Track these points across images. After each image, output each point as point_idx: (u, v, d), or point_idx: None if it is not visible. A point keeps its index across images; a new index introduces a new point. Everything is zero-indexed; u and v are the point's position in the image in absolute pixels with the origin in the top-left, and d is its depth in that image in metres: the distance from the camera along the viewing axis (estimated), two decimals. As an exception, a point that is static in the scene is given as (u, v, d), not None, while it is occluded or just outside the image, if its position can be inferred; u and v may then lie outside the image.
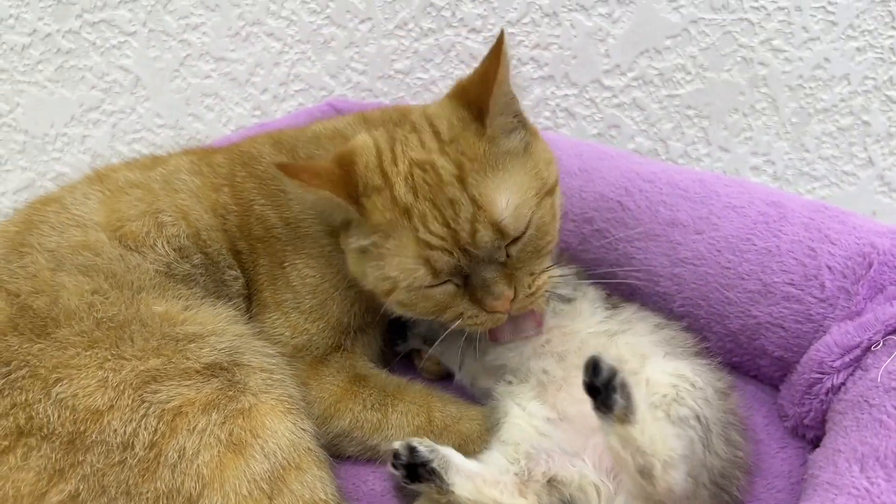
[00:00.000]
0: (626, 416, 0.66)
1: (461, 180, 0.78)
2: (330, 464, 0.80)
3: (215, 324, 0.83)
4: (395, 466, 0.75)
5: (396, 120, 0.88)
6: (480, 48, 1.49)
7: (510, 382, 0.87)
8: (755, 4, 1.41)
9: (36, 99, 1.62)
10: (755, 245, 0.92)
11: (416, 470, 0.74)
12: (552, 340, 0.88)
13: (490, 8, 1.46)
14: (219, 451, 0.71)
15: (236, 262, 0.94)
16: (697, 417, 0.72)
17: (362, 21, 1.50)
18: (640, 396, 0.68)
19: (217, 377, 0.77)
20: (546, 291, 0.85)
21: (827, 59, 1.43)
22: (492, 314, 0.82)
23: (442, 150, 0.80)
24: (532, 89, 1.52)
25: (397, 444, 0.76)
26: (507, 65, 0.80)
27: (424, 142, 0.82)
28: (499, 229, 0.77)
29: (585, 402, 0.76)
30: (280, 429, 0.75)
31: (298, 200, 0.93)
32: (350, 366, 0.94)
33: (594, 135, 1.55)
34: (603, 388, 0.66)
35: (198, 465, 0.70)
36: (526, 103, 1.53)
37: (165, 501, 0.68)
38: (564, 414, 0.80)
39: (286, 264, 0.93)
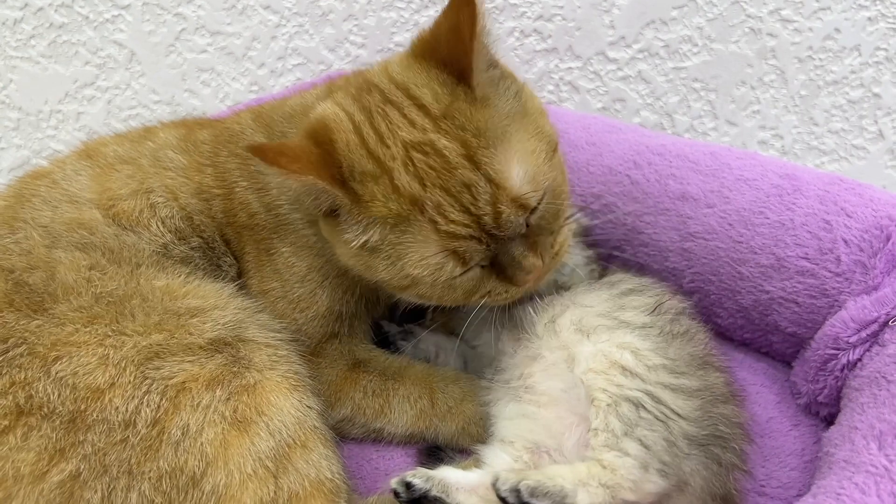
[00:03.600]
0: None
1: (471, 159, 0.71)
2: (336, 442, 0.78)
3: (217, 298, 0.81)
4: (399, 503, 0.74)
5: (362, 84, 0.80)
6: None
7: (490, 378, 0.86)
8: (764, -27, 1.37)
9: (29, 75, 1.59)
10: (768, 218, 0.89)
11: (419, 502, 0.72)
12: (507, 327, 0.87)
13: (492, -22, 1.43)
14: (223, 429, 0.69)
15: (228, 250, 0.92)
16: (640, 404, 0.71)
17: (361, -8, 1.47)
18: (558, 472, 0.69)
19: (221, 353, 0.75)
20: (567, 244, 0.82)
21: (837, 30, 1.40)
22: (523, 286, 0.78)
23: (438, 128, 0.72)
24: (535, 62, 1.49)
25: (394, 483, 0.73)
26: (483, 10, 0.71)
27: (412, 119, 0.74)
28: (521, 204, 0.72)
29: (546, 392, 0.76)
30: (286, 406, 0.73)
31: (278, 187, 0.88)
32: (348, 352, 0.91)
33: (599, 108, 1.52)
34: None
35: (201, 443, 0.68)
36: (529, 76, 1.50)
37: (168, 480, 0.66)
38: (538, 403, 0.79)
39: (272, 251, 0.90)
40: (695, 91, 1.48)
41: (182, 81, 1.58)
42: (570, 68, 1.49)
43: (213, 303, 0.80)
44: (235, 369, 0.74)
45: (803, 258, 0.85)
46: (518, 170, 0.72)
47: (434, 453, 0.85)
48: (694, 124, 1.51)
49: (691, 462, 0.71)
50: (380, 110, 0.75)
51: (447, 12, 0.72)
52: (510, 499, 0.66)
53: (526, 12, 1.45)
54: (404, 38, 1.49)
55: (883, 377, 0.73)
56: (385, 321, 0.98)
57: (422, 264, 0.73)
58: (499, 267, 0.76)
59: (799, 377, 0.87)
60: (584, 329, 0.80)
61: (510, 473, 0.69)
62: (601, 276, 0.94)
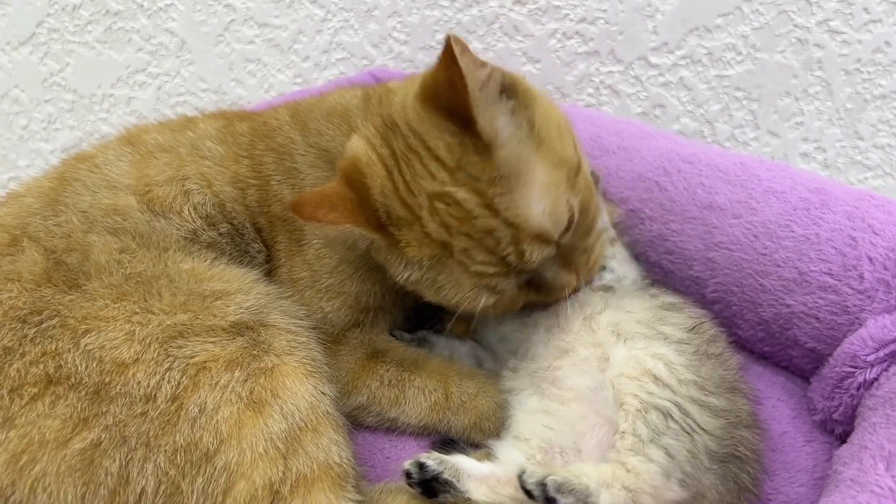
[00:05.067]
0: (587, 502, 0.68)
1: (488, 207, 0.74)
2: (347, 429, 0.80)
3: (241, 282, 0.83)
4: (410, 485, 0.75)
5: (386, 121, 0.81)
6: (524, 21, 1.47)
7: (512, 370, 0.87)
8: (813, -17, 1.35)
9: (85, 59, 1.65)
10: (794, 232, 0.88)
11: (429, 484, 0.74)
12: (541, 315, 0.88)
13: (537, -20, 1.43)
14: (238, 409, 0.71)
15: (258, 237, 0.94)
16: (669, 414, 0.72)
17: (406, -10, 1.49)
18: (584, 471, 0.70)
19: (242, 336, 0.77)
20: (602, 257, 0.87)
21: (888, 43, 1.37)
22: (561, 298, 0.84)
23: (455, 180, 0.74)
24: (576, 64, 1.49)
25: (407, 464, 0.75)
26: (470, 63, 0.70)
27: (431, 170, 0.76)
28: (544, 239, 0.75)
29: (573, 388, 0.77)
30: (300, 390, 0.75)
31: (320, 235, 0.92)
32: (368, 341, 0.93)
33: (638, 114, 1.51)
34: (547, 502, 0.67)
35: (217, 421, 0.70)
36: (569, 79, 1.50)
37: (183, 454, 0.69)
38: (562, 399, 0.80)
39: (303, 242, 0.92)
40: (737, 100, 1.47)
41: (229, 71, 1.62)
42: (610, 72, 1.49)
43: (238, 287, 0.82)
44: (255, 352, 0.76)
45: (826, 274, 0.84)
46: (537, 207, 0.74)
47: (448, 445, 0.87)
48: (735, 133, 1.50)
49: (710, 476, 0.71)
50: (405, 157, 0.78)
51: (439, 67, 0.73)
52: (535, 492, 0.68)
53: (569, 14, 1.45)
54: (446, 36, 1.51)
55: (898, 398, 0.72)
56: (398, 331, 1.00)
57: (458, 297, 0.78)
58: (535, 285, 0.81)
59: (816, 393, 0.86)
60: (622, 333, 0.81)
61: (537, 467, 0.70)
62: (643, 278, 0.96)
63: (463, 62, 0.69)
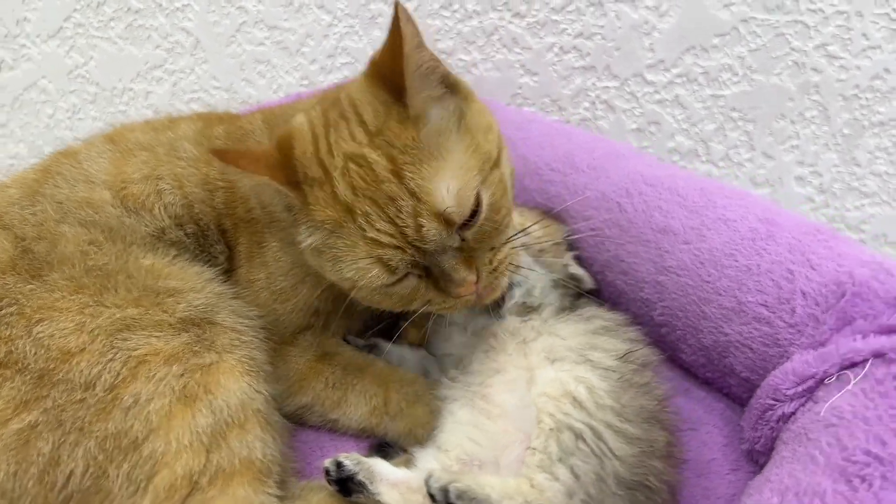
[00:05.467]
0: None
1: (396, 174, 0.75)
2: (283, 428, 0.84)
3: (196, 281, 0.88)
4: (329, 482, 0.79)
5: (332, 99, 0.85)
6: (523, 34, 1.49)
7: (451, 379, 0.90)
8: (812, 6, 1.34)
9: (107, 54, 1.73)
10: (737, 261, 0.89)
11: (346, 483, 0.77)
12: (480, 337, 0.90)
13: (536, -6, 1.45)
14: (170, 401, 0.76)
15: (222, 238, 0.99)
16: (581, 436, 0.74)
17: (409, -1, 1.52)
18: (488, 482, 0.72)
19: (188, 332, 0.82)
20: (510, 263, 0.84)
21: (887, 70, 1.35)
22: (460, 298, 0.81)
23: (371, 143, 0.77)
24: (573, 79, 1.51)
25: (327, 462, 0.78)
26: (413, 33, 0.74)
27: (353, 132, 0.79)
28: (444, 219, 0.75)
29: (501, 405, 0.80)
30: (233, 388, 0.80)
31: (240, 185, 0.95)
32: (318, 344, 0.97)
33: (633, 129, 1.52)
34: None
35: (148, 412, 0.75)
36: (565, 92, 1.52)
37: (113, 441, 0.74)
38: (490, 414, 0.82)
39: (263, 244, 0.96)
40: (732, 120, 1.46)
41: (240, 71, 1.68)
42: (606, 87, 1.50)
43: (191, 285, 0.87)
44: (197, 349, 0.81)
45: (762, 305, 0.85)
46: (444, 186, 0.75)
47: (383, 449, 0.90)
48: (729, 154, 1.49)
49: (616, 501, 0.73)
50: (335, 123, 0.81)
51: (388, 35, 0.76)
52: (438, 496, 0.71)
53: (566, 29, 1.47)
54: (447, 45, 1.54)
55: (805, 434, 0.72)
56: (351, 336, 1.03)
57: (354, 268, 0.78)
58: (434, 278, 0.80)
59: (745, 422, 0.87)
60: (553, 357, 0.84)
61: (444, 473, 0.73)
62: (572, 303, 0.97)
63: (405, 28, 0.73)
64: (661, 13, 1.41)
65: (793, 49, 1.38)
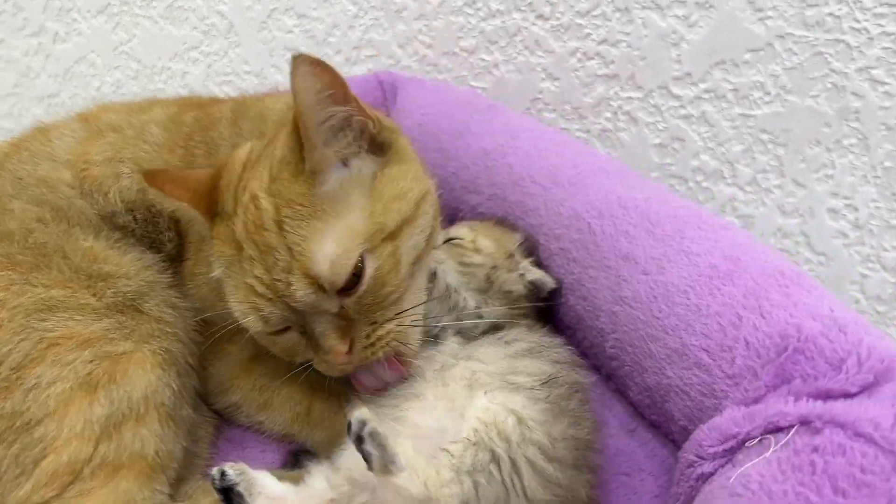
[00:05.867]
0: (386, 467, 0.65)
1: (278, 225, 0.73)
2: (190, 426, 0.83)
3: (130, 267, 0.89)
4: (214, 489, 0.77)
5: (280, 123, 0.84)
6: (546, 36, 1.43)
7: (365, 400, 0.87)
8: (856, 26, 1.22)
9: (149, 33, 1.77)
10: (689, 299, 0.82)
11: (227, 493, 0.76)
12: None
13: (560, -5, 1.39)
14: (71, 386, 0.76)
15: (173, 226, 0.98)
16: (499, 463, 0.69)
17: (434, -6, 1.48)
18: (403, 447, 0.68)
19: (111, 318, 0.83)
20: (393, 341, 0.79)
21: (938, 100, 1.22)
22: (331, 364, 0.79)
23: (269, 188, 0.75)
24: (595, 86, 1.43)
25: (213, 469, 0.76)
26: (314, 87, 0.71)
27: (263, 172, 0.77)
28: (317, 283, 0.72)
29: (417, 426, 0.76)
30: (140, 380, 0.79)
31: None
32: (254, 344, 0.96)
33: (656, 144, 1.44)
34: (356, 441, 0.66)
35: (47, 395, 0.76)
36: (587, 100, 1.45)
37: (8, 420, 0.75)
38: (399, 434, 0.79)
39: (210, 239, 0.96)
40: (762, 143, 1.36)
41: (270, 57, 1.69)
42: (629, 98, 1.42)
43: (125, 271, 0.88)
44: (113, 336, 0.81)
45: (704, 350, 0.78)
46: (323, 249, 0.72)
47: (300, 456, 0.88)
48: (757, 178, 1.39)
49: None
50: (259, 158, 0.80)
51: None
52: (354, 426, 0.68)
53: (591, 34, 1.40)
54: (469, 43, 1.50)
55: (711, 500, 0.66)
56: None
57: (237, 309, 0.78)
58: (309, 339, 0.78)
59: (675, 475, 0.80)
60: (476, 384, 0.79)
61: (371, 415, 0.70)
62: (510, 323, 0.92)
63: (299, 84, 0.70)
64: (691, 23, 1.32)
65: (832, 70, 1.26)
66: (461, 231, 1.01)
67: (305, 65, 0.70)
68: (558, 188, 1.06)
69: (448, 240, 0.99)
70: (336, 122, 0.76)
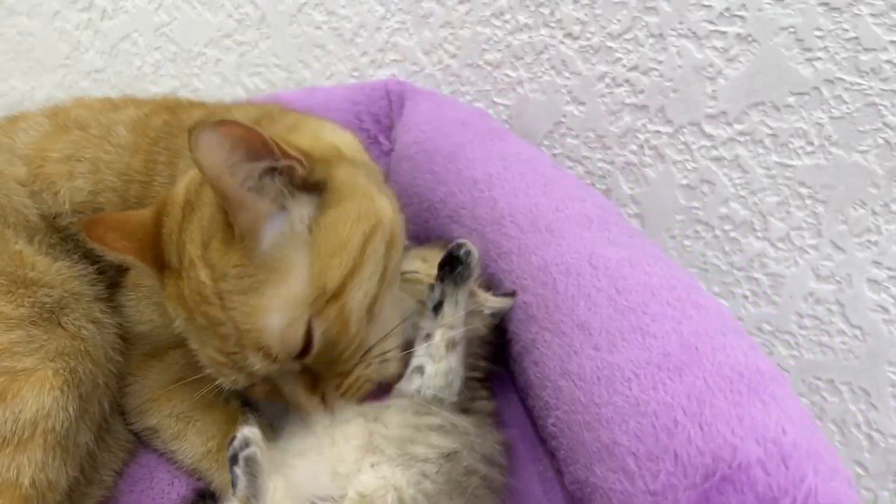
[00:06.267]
0: (248, 500, 0.64)
1: (220, 298, 0.69)
2: (85, 454, 0.79)
3: (56, 276, 0.85)
4: None
5: None
6: (574, 57, 1.31)
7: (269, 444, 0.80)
8: (918, 77, 1.06)
9: (187, 16, 1.75)
10: (630, 390, 0.71)
11: None
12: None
13: (592, 14, 1.27)
14: None
15: None
16: None
17: (461, 1, 1.39)
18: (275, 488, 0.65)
19: (22, 329, 0.79)
20: (367, 381, 0.76)
21: None
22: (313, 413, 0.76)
23: (203, 256, 0.70)
24: (622, 115, 1.31)
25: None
26: (218, 159, 0.64)
27: (195, 235, 0.72)
28: (271, 355, 0.69)
29: (300, 487, 0.71)
30: (32, 402, 0.75)
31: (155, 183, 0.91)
32: (181, 367, 0.90)
33: (683, 185, 1.31)
34: (231, 459, 0.65)
35: None
36: (613, 129, 1.33)
37: None
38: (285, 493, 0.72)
39: None
40: (799, 197, 1.21)
41: (298, 52, 1.64)
42: (658, 132, 1.29)
43: (49, 280, 0.84)
44: (19, 350, 0.77)
45: (632, 454, 0.67)
46: (269, 322, 0.68)
47: (204, 498, 0.83)
48: (791, 235, 1.24)
49: None
50: (194, 206, 0.74)
51: None
52: (237, 442, 0.68)
53: (621, 59, 1.28)
54: (494, 57, 1.40)
55: None
56: None
57: (207, 368, 0.74)
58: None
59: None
60: (370, 449, 0.72)
61: (258, 437, 0.69)
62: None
63: (203, 158, 0.63)
64: (730, 57, 1.18)
65: (886, 125, 1.11)
66: (414, 264, 0.93)
67: (205, 134, 0.63)
68: (534, 233, 0.96)
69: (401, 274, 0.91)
70: (257, 176, 0.69)
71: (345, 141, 0.89)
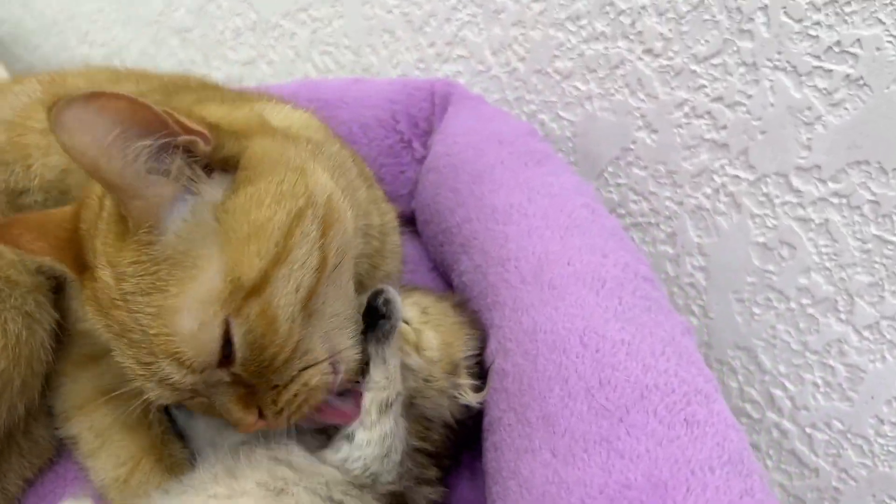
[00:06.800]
0: None
1: (124, 301, 0.60)
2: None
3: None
4: None
5: None
6: (651, 77, 1.13)
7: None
8: None
9: (268, -15, 1.69)
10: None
11: None
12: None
13: (678, 31, 1.08)
14: None
15: None
16: None
17: None
18: None
19: None
20: (311, 399, 0.64)
21: None
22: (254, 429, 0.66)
23: (105, 253, 0.61)
24: (698, 151, 1.12)
25: None
26: (91, 141, 0.54)
27: (103, 228, 0.63)
28: (187, 365, 0.59)
29: None
30: None
31: None
32: (114, 376, 0.82)
33: (758, 243, 1.10)
34: None
35: None
36: (686, 166, 1.14)
37: None
38: None
39: None
40: (898, 281, 0.99)
41: (368, 35, 1.53)
42: (737, 177, 1.09)
43: None
44: None
45: None
46: (179, 326, 0.58)
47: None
48: (881, 324, 1.02)
49: None
50: (105, 200, 0.64)
51: None
52: None
53: (705, 87, 1.08)
54: (565, 65, 1.24)
55: None
56: None
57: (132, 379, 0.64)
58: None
59: None
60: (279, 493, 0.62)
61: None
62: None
63: (67, 140, 0.53)
64: (834, 102, 0.97)
65: None
66: (408, 312, 0.80)
67: (72, 110, 0.52)
68: (535, 287, 0.81)
69: None
70: (149, 156, 0.58)
71: (295, 118, 0.78)
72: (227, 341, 0.59)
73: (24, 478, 0.80)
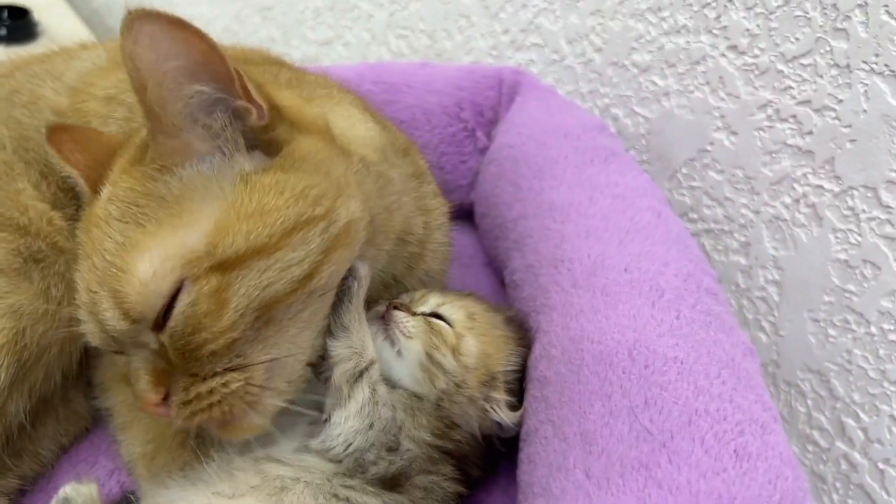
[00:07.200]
0: None
1: (105, 221, 0.58)
2: (9, 422, 0.73)
3: (45, 225, 0.79)
4: None
5: None
6: (734, 75, 1.06)
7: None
8: None
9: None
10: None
11: None
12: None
13: (766, 27, 1.01)
14: None
15: None
16: None
17: (617, -12, 1.18)
18: None
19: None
20: (225, 403, 0.59)
21: None
22: (152, 412, 0.61)
23: (112, 172, 0.61)
24: (779, 157, 1.05)
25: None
26: (156, 61, 0.53)
27: (123, 156, 0.62)
28: (123, 309, 0.56)
29: None
30: None
31: None
32: None
33: (840, 260, 1.02)
34: None
35: None
36: (766, 172, 1.07)
37: None
38: None
39: None
40: None
41: (444, 19, 1.50)
42: (821, 187, 1.02)
43: (35, 229, 0.78)
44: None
45: None
46: (137, 266, 0.56)
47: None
48: (972, 359, 0.93)
49: None
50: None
51: None
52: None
53: (792, 88, 1.01)
54: (642, 59, 1.18)
55: None
56: None
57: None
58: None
59: None
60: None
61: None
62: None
63: (137, 56, 0.52)
64: (936, 111, 0.88)
65: None
66: (455, 314, 0.77)
67: (150, 25, 0.51)
68: (586, 292, 0.76)
69: (433, 314, 0.76)
70: (197, 105, 0.57)
71: (361, 132, 0.75)
72: (172, 304, 0.56)
73: (59, 444, 0.81)
